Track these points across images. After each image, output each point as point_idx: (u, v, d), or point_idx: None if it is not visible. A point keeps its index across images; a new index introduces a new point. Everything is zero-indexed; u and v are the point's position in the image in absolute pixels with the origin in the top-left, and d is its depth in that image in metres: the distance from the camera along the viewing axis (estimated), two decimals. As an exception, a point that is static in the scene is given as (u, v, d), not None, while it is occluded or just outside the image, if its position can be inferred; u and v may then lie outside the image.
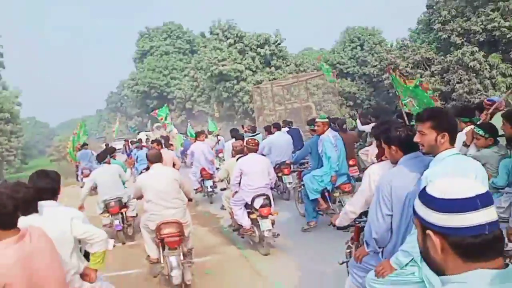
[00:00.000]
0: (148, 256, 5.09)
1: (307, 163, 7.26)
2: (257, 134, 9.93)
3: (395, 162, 2.75)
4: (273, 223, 5.60)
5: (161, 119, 16.42)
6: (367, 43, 26.22)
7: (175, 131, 15.97)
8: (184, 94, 36.25)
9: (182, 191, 5.07)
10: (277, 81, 18.59)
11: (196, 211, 9.03)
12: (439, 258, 1.12)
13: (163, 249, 4.81)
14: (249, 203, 5.65)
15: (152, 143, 10.30)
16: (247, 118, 24.19)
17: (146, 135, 21.53)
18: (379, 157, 3.29)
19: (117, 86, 74.01)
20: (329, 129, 6.23)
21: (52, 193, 2.92)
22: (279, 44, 22.88)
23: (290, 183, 8.27)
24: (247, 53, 22.33)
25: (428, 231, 1.13)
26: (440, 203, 1.11)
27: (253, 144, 5.97)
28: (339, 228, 3.35)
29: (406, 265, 2.44)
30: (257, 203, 5.59)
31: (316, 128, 6.35)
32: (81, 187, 10.41)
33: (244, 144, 6.30)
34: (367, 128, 9.10)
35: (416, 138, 2.47)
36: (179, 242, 4.66)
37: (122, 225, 6.97)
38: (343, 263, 3.61)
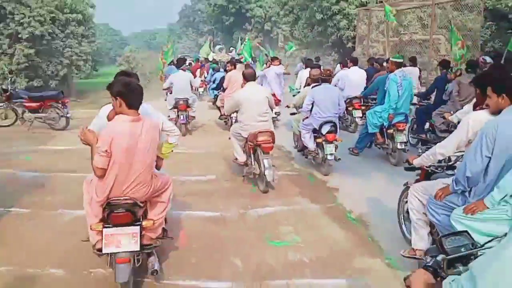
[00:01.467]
0: (236, 159, 6.02)
1: (375, 99, 7.52)
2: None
3: (497, 112, 2.81)
4: (336, 148, 6.13)
5: (241, 58, 15.18)
6: (501, -32, 20.87)
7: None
8: (265, 13, 32.75)
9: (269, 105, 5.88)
10: (395, 2, 14.80)
11: (294, 170, 6.76)
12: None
13: (253, 153, 5.66)
14: (317, 128, 6.22)
15: (227, 63, 11.46)
16: (337, 48, 20.72)
17: (213, 57, 21.67)
18: (478, 105, 3.38)
19: (192, -1, 71.43)
20: (400, 69, 6.56)
21: None
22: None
23: (360, 117, 8.60)
24: (355, -37, 18.33)
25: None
26: None
27: (327, 75, 6.51)
28: (407, 169, 3.43)
29: (498, 203, 2.56)
30: (324, 129, 6.17)
31: (388, 66, 7.00)
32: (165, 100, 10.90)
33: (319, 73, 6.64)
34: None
35: None
36: (271, 148, 5.53)
37: (186, 120, 8.96)
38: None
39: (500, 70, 3.86)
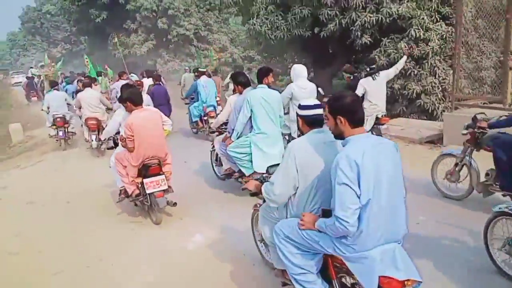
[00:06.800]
0: (86, 138, 9.63)
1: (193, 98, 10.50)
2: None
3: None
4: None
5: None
6: None
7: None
8: (157, 5, 21.96)
9: (102, 103, 9.51)
10: None
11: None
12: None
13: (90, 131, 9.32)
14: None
15: (85, 77, 12.82)
16: (343, 53, 11.72)
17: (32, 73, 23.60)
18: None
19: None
20: (203, 75, 10.02)
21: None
22: None
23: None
24: None
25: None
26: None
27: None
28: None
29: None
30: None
31: (197, 74, 10.55)
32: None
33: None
34: None
35: None
36: (96, 127, 9.10)
37: (65, 135, 10.19)
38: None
39: None
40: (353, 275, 2.51)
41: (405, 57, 7.64)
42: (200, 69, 10.31)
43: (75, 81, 15.68)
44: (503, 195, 4.44)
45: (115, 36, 19.62)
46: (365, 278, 2.40)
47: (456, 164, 4.99)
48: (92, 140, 9.18)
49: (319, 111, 2.81)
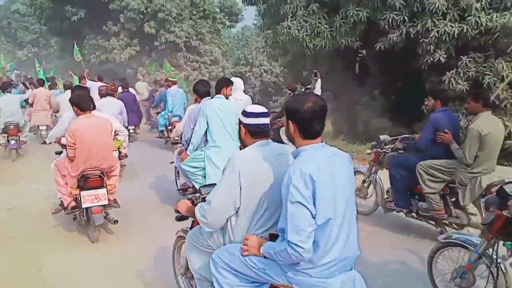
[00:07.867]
0: None
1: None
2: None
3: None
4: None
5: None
6: None
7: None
8: (145, 6, 18.97)
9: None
10: None
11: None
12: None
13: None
14: None
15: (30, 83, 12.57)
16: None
17: None
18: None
19: (5, -4, 51.25)
20: (174, 85, 9.81)
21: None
22: None
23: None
24: None
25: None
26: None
27: (112, 89, 8.18)
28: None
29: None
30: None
31: (168, 84, 10.35)
32: None
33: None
34: None
35: None
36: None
37: (17, 145, 8.98)
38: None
39: None
40: None
41: (319, 80, 7.89)
42: (170, 79, 10.62)
43: (21, 85, 15.59)
44: (397, 212, 4.67)
45: (74, 43, 17.09)
46: None
47: (364, 181, 5.17)
48: None
49: (266, 120, 2.47)
